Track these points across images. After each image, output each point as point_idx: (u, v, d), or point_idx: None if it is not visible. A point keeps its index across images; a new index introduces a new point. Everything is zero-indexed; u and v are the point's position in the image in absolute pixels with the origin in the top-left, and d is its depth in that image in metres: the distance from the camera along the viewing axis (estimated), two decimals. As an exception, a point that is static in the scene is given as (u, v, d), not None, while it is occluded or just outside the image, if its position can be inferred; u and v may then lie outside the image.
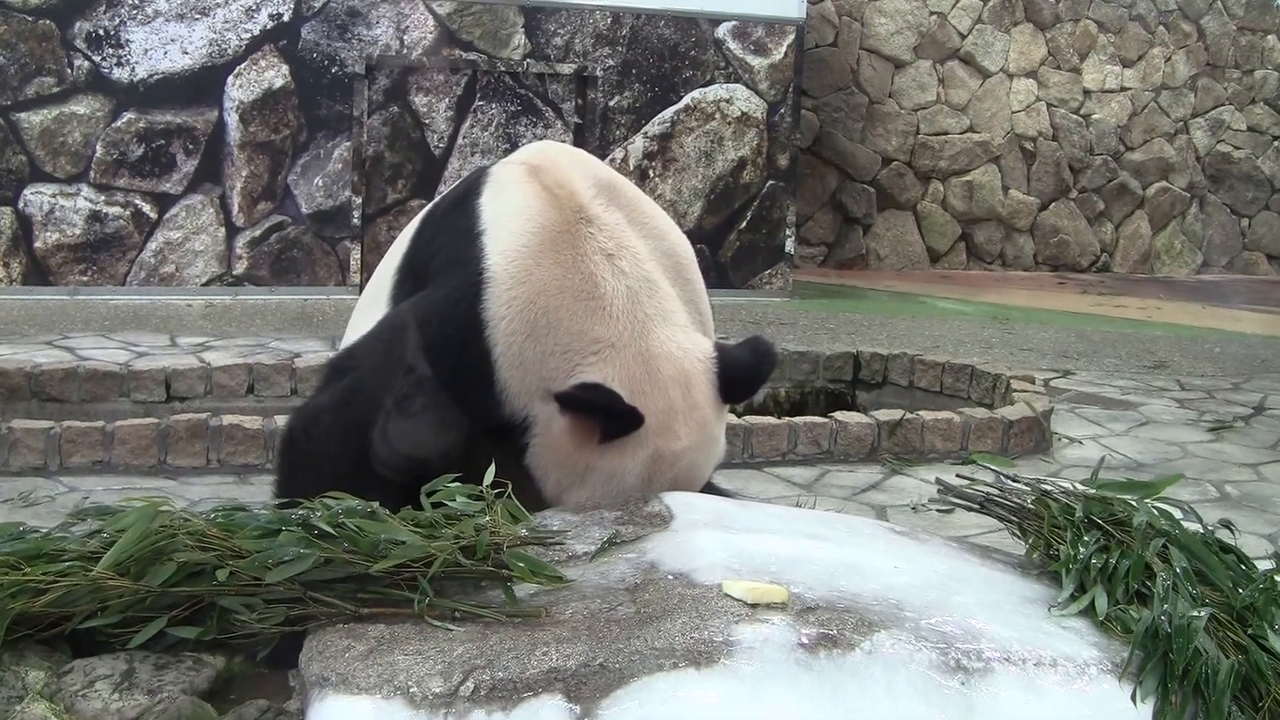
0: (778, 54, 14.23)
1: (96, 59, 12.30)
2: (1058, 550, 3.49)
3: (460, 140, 13.27)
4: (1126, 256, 19.15)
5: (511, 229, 3.87)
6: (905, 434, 7.28)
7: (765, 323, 12.17)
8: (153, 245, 12.56)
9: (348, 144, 12.89)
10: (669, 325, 3.84)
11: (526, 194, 3.95)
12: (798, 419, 7.28)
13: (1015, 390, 8.15)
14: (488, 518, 3.13)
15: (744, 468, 6.84)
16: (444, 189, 12.77)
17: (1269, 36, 19.77)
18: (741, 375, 3.92)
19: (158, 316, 11.33)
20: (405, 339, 3.91)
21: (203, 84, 12.59)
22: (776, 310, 13.26)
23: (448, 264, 3.99)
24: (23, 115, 12.13)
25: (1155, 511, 3.52)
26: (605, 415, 3.66)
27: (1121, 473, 7.26)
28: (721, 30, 14.02)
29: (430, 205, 4.51)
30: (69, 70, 12.23)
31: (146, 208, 12.50)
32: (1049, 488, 3.77)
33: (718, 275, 13.76)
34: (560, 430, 3.73)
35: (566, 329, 3.75)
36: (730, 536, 3.28)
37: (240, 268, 12.75)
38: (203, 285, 12.63)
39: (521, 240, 3.84)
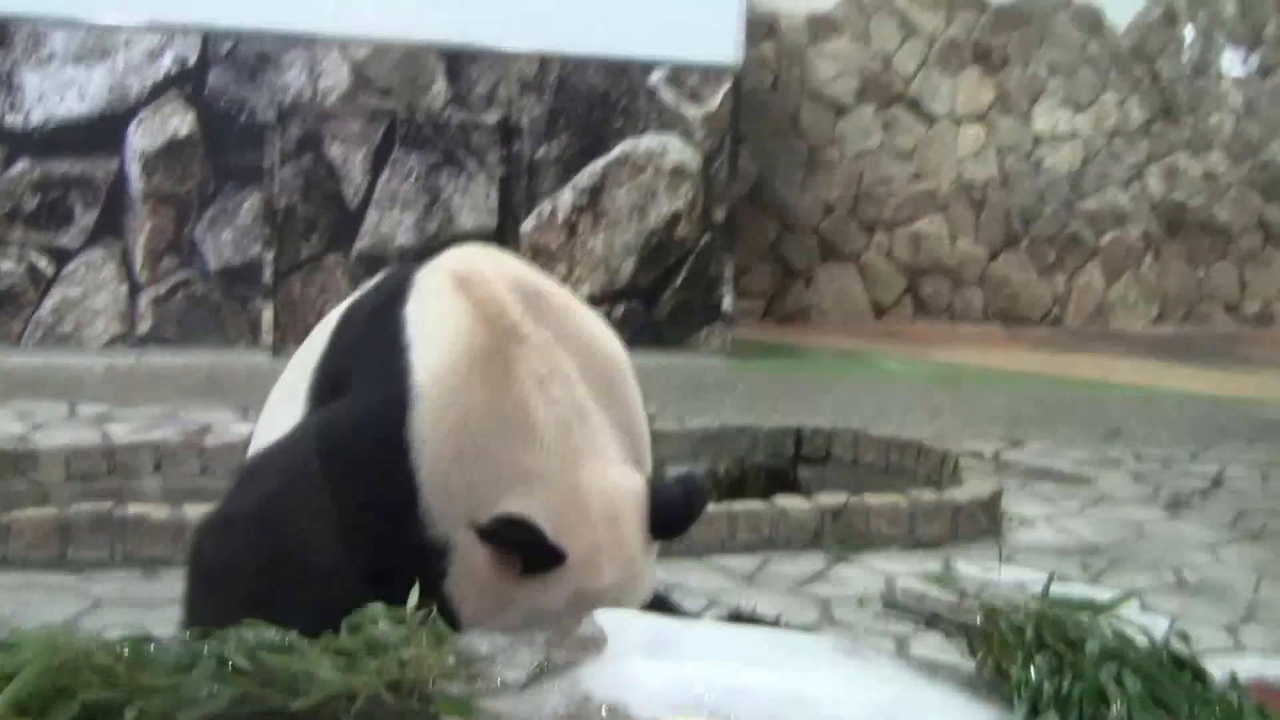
0: (713, 102, 14.31)
1: (-12, 104, 12.28)
2: (1009, 669, 3.51)
3: (378, 193, 13.27)
4: (1080, 309, 19.30)
5: (440, 347, 3.89)
6: (849, 519, 7.33)
7: (701, 388, 12.21)
8: (49, 303, 12.51)
9: (258, 195, 12.88)
10: (599, 458, 3.88)
11: (455, 309, 3.97)
12: (737, 505, 7.31)
13: (964, 468, 8.21)
14: (412, 648, 3.13)
15: (684, 556, 6.86)
16: (361, 245, 12.83)
17: (1223, 80, 20.00)
18: (671, 514, 3.97)
19: (56, 380, 11.26)
20: (326, 452, 3.92)
21: (103, 132, 12.55)
22: (714, 373, 13.31)
23: (370, 376, 4.00)
24: (-91, 165, 12.11)
25: (1109, 633, 3.55)
26: (526, 551, 3.70)
27: (1077, 556, 7.34)
28: (654, 78, 14.10)
29: (349, 304, 4.51)
30: (-41, 116, 12.22)
31: (42, 263, 12.45)
32: (999, 604, 3.79)
33: (652, 335, 13.78)
34: (481, 561, 3.75)
35: (495, 457, 3.78)
36: (668, 665, 3.28)
37: (144, 327, 12.71)
38: (104, 346, 12.58)
39: (450, 360, 3.86)
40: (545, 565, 3.72)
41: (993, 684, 3.54)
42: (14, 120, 12.37)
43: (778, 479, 8.91)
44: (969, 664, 3.71)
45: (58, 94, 12.48)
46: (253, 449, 4.54)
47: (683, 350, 14.10)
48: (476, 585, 3.78)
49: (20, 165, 12.39)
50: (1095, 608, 3.85)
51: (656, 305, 14.18)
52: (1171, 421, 12.04)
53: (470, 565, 3.78)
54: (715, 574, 6.78)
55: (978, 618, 3.74)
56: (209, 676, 3.00)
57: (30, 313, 12.49)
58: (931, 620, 3.84)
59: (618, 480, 3.89)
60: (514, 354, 3.88)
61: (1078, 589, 4.08)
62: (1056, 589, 3.96)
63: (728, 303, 14.61)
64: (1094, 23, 19.13)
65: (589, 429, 3.91)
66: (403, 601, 3.27)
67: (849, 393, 12.41)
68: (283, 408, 4.38)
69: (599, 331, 4.23)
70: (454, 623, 3.63)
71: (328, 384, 4.19)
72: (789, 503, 7.43)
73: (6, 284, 12.40)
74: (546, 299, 4.13)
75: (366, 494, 3.83)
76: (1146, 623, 3.68)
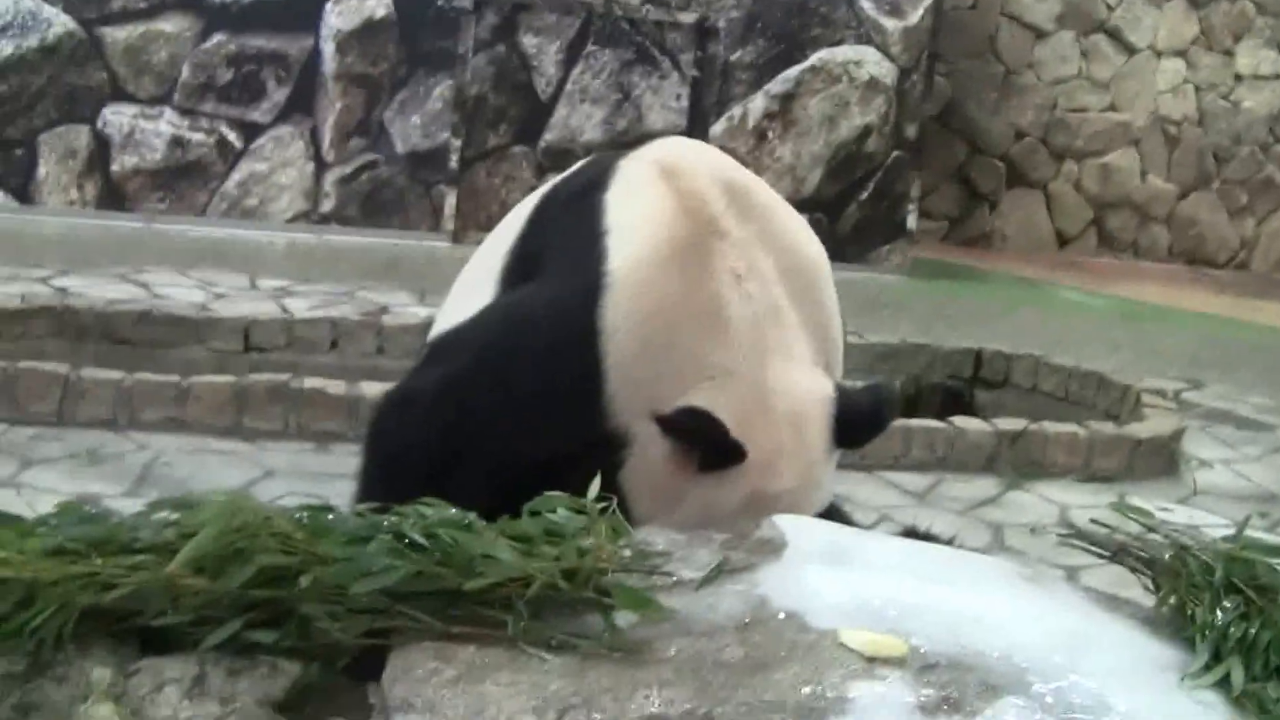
0: (913, 16, 14.10)
1: (188, -26, 12.33)
2: (1193, 611, 3.41)
3: (569, 86, 13.22)
4: (1268, 255, 18.90)
5: (638, 235, 3.84)
6: (1026, 445, 7.21)
7: (881, 304, 12.09)
8: (236, 176, 12.60)
9: (449, 83, 12.87)
10: (790, 359, 3.81)
11: (657, 199, 3.91)
12: (913, 422, 7.23)
13: (1145, 404, 8.07)
14: (590, 538, 3.09)
15: (855, 469, 6.79)
16: (549, 137, 12.80)
17: None
18: (858, 422, 3.90)
19: (238, 253, 11.35)
20: (514, 334, 3.89)
21: (300, 9, 12.58)
22: (893, 290, 13.19)
23: (565, 261, 3.96)
24: (107, 30, 12.17)
25: (1303, 577, 3.44)
26: (706, 445, 3.64)
27: (1255, 503, 7.18)
28: (855, -12, 13.92)
29: (549, 188, 4.46)
30: (158, -16, 12.28)
31: (232, 136, 12.54)
32: (1188, 542, 3.69)
33: (834, 248, 13.49)
34: (659, 453, 3.70)
35: (683, 350, 3.73)
36: (847, 575, 3.22)
37: (328, 206, 12.78)
38: (287, 222, 12.66)
39: (648, 249, 3.81)
40: (725, 462, 3.67)
41: (1173, 623, 3.45)
42: (213, -8, 12.45)
43: (954, 399, 8.81)
44: (1148, 600, 3.61)
45: (258, -32, 12.52)
46: (437, 330, 4.52)
47: (863, 265, 13.97)
48: (652, 480, 3.74)
49: (216, 38, 12.45)
50: (1290, 553, 3.73)
51: (840, 218, 14.06)
52: (1360, 373, 11.77)
53: (649, 458, 3.74)
54: (887, 490, 6.71)
55: (1165, 554, 3.64)
56: (386, 550, 2.98)
57: (217, 185, 12.58)
58: (1116, 553, 3.74)
59: (806, 384, 3.83)
60: (713, 248, 3.82)
61: (1260, 536, 3.95)
62: (1245, 533, 3.85)
63: (911, 221, 14.47)
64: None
65: (782, 330, 3.85)
66: (579, 490, 3.23)
67: (1028, 320, 12.24)
68: (472, 289, 4.35)
69: (801, 233, 4.17)
70: (628, 517, 3.59)
71: (522, 266, 4.16)
72: (966, 424, 7.34)
73: (196, 155, 12.49)
74: (751, 196, 4.06)
75: (552, 378, 3.81)
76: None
